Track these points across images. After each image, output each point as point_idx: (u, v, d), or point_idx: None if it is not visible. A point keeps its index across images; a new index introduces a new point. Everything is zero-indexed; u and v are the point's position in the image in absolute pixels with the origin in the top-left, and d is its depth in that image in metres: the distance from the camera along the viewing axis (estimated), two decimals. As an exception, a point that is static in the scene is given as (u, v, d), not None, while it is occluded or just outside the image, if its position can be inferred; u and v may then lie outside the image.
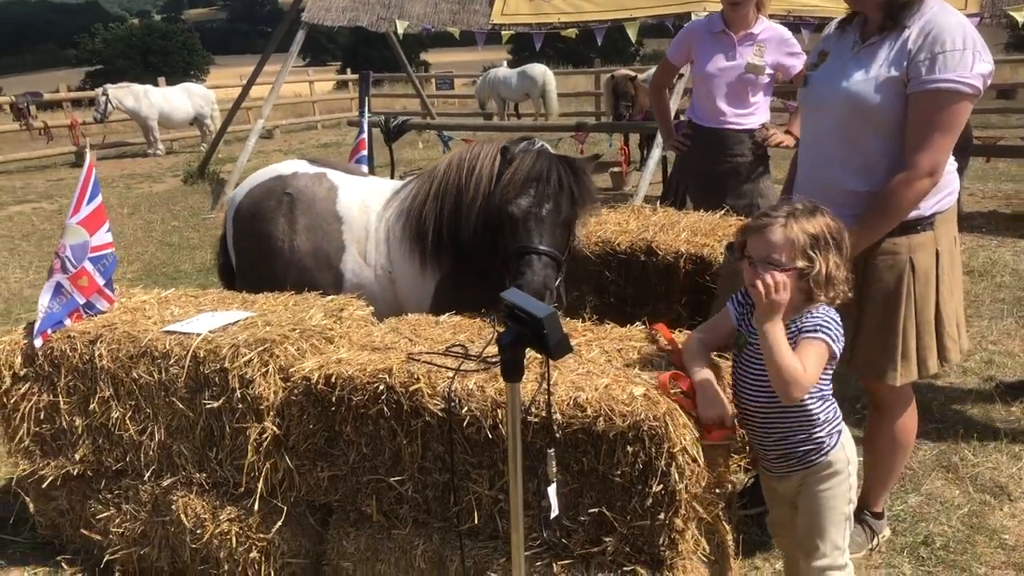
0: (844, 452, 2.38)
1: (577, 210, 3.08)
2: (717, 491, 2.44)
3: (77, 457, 3.01)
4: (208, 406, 2.77)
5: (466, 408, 2.41)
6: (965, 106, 2.55)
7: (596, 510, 2.34)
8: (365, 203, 3.62)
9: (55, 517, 3.20)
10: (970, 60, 2.49)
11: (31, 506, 3.17)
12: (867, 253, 2.69)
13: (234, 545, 2.82)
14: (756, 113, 4.47)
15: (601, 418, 2.25)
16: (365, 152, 5.40)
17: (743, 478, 2.76)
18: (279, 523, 2.77)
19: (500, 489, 2.44)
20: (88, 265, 3.08)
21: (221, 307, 3.18)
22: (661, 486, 2.23)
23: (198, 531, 2.87)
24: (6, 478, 3.69)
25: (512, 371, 1.97)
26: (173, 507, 2.90)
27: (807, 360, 2.19)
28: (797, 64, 4.37)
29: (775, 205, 2.36)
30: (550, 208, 2.99)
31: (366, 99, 9.62)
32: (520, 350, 1.96)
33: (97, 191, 3.10)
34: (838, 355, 2.26)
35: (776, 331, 2.19)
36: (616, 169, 11.21)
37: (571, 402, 2.30)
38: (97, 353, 2.91)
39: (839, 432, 2.38)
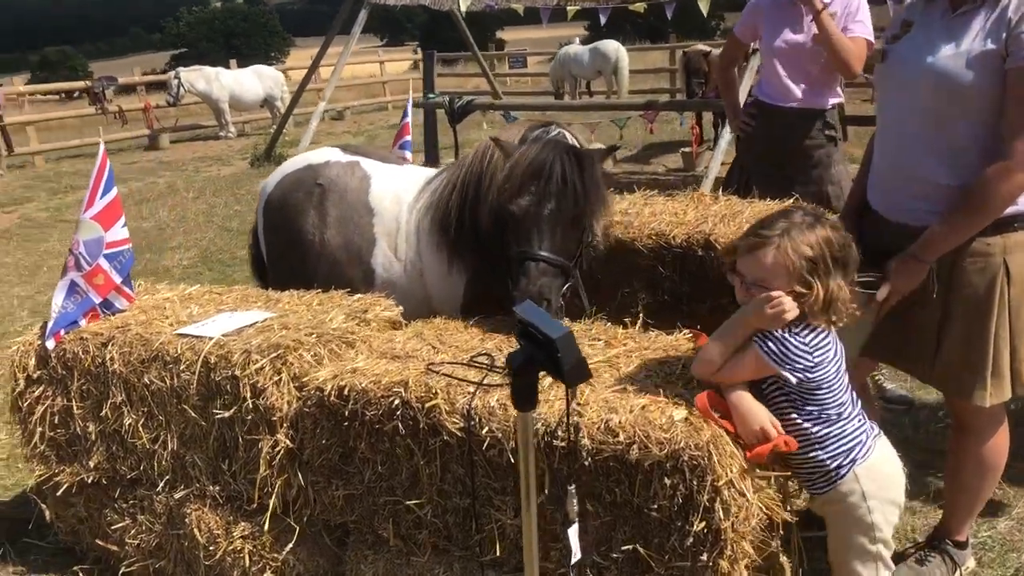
0: (858, 484, 2.14)
1: (583, 208, 2.74)
2: (771, 522, 2.15)
3: (91, 464, 2.87)
4: (219, 416, 2.59)
5: (487, 428, 2.17)
6: None
7: (630, 547, 2.08)
8: (398, 194, 3.38)
9: (75, 524, 3.07)
10: None
11: (47, 513, 3.05)
12: (954, 255, 2.35)
13: (247, 564, 2.64)
14: (826, 91, 4.08)
15: (635, 445, 1.99)
16: (409, 137, 5.16)
17: (799, 504, 2.46)
18: (292, 543, 2.58)
19: (525, 518, 2.19)
20: (103, 262, 2.92)
21: (243, 306, 3.00)
22: (703, 523, 1.97)
23: (211, 547, 2.70)
24: (27, 482, 3.60)
25: (524, 398, 1.72)
26: (187, 520, 2.74)
27: (732, 360, 2.10)
28: (855, 30, 3.91)
29: (771, 218, 2.11)
30: (552, 208, 2.68)
31: (431, 79, 9.47)
32: (532, 374, 1.71)
33: (112, 184, 2.95)
34: (792, 379, 2.06)
35: (740, 325, 2.09)
36: (687, 149, 10.79)
37: (602, 425, 2.04)
38: (109, 356, 2.76)
39: (850, 462, 2.13)
